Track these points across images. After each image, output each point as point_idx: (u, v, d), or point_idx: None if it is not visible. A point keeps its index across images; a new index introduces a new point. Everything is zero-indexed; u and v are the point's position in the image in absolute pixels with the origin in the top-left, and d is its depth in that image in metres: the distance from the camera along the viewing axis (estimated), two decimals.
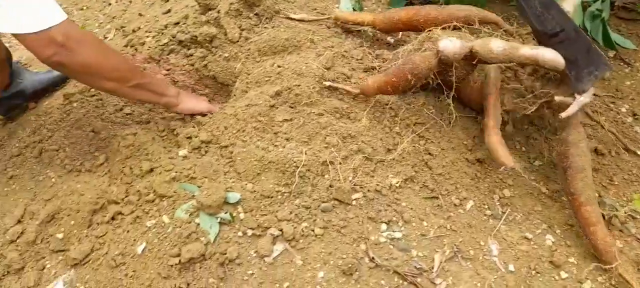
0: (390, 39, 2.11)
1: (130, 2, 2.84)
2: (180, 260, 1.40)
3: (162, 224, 1.49)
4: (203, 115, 1.85)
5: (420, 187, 1.63)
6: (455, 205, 1.62)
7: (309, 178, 1.54)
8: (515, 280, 1.43)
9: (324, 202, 1.51)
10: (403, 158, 1.66)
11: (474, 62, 1.62)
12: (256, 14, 2.06)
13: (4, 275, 1.52)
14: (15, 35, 1.40)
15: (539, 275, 1.47)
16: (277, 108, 1.73)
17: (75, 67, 1.49)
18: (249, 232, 1.46)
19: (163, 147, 1.75)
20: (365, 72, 1.90)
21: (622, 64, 2.38)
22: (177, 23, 2.18)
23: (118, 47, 2.24)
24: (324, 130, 1.65)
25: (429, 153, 1.70)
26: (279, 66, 1.84)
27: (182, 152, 1.69)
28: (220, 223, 1.47)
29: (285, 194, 1.52)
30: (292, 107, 1.73)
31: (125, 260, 1.46)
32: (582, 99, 1.55)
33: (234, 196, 1.50)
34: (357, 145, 1.64)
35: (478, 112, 1.86)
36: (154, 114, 1.94)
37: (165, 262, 1.41)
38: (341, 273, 1.39)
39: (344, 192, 1.52)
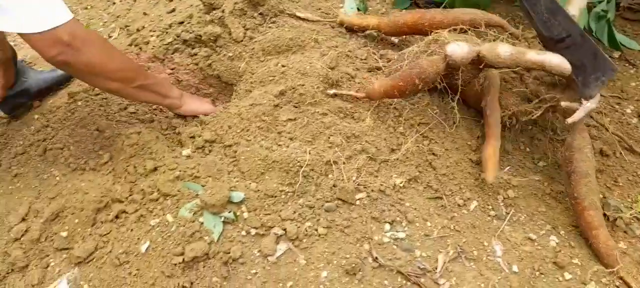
0: (394, 39, 2.11)
1: (135, 1, 2.85)
2: (183, 259, 1.40)
3: (166, 223, 1.49)
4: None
5: (424, 187, 1.62)
6: (459, 205, 1.61)
7: (313, 178, 1.54)
8: (519, 281, 1.43)
9: (327, 201, 1.51)
10: (407, 158, 1.65)
11: (480, 66, 1.62)
12: (260, 14, 2.06)
13: (8, 273, 1.52)
14: (20, 35, 1.40)
15: (542, 276, 1.46)
16: (281, 107, 1.73)
17: (80, 67, 1.49)
18: (253, 232, 1.46)
19: (167, 146, 1.75)
20: (370, 72, 1.90)
21: (627, 65, 2.38)
22: (182, 22, 2.18)
23: (122, 46, 2.24)
24: (328, 130, 1.65)
25: (433, 154, 1.70)
26: (283, 66, 1.84)
27: (186, 151, 1.70)
28: (224, 222, 1.47)
29: (289, 194, 1.52)
30: (296, 107, 1.73)
31: (129, 259, 1.47)
32: (589, 105, 1.56)
33: (237, 195, 1.50)
34: (361, 145, 1.64)
35: (482, 114, 1.86)
36: (158, 112, 1.95)
37: (169, 261, 1.41)
38: (344, 273, 1.39)
39: (347, 191, 1.52)
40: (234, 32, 2.01)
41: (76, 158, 1.77)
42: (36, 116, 1.93)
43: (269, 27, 2.03)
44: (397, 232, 1.49)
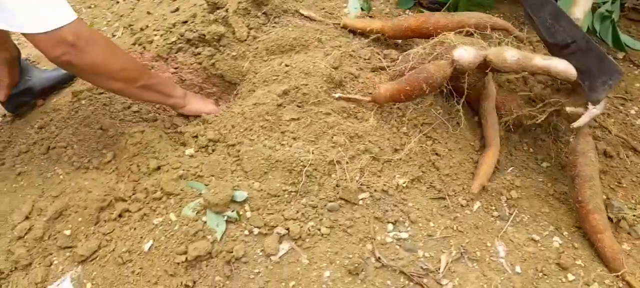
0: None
1: (138, 0, 2.85)
2: (186, 258, 1.40)
3: (169, 222, 1.49)
4: None
5: (427, 188, 1.62)
6: (462, 205, 1.61)
7: (316, 178, 1.54)
8: (522, 282, 1.42)
9: (330, 201, 1.51)
10: (410, 158, 1.65)
11: (486, 71, 1.62)
12: (264, 13, 2.06)
13: (11, 271, 1.53)
14: (24, 35, 1.40)
15: (545, 277, 1.46)
16: (285, 107, 1.73)
17: (84, 67, 1.49)
18: (256, 231, 1.46)
19: (170, 145, 1.75)
20: (373, 71, 1.90)
21: (631, 65, 2.37)
22: (185, 21, 2.18)
23: (126, 45, 2.24)
24: (331, 130, 1.65)
25: (436, 154, 1.69)
26: (286, 65, 1.84)
27: (190, 150, 1.70)
28: (227, 221, 1.47)
29: (292, 193, 1.52)
30: (299, 106, 1.73)
31: (132, 257, 1.47)
32: (594, 110, 1.56)
33: (240, 194, 1.50)
34: (364, 144, 1.64)
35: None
36: (161, 111, 1.95)
37: (172, 260, 1.41)
38: (347, 272, 1.39)
39: (350, 191, 1.52)
40: (237, 31, 2.02)
41: (80, 157, 1.77)
42: (40, 115, 1.93)
43: (273, 26, 2.04)
44: (400, 232, 1.49)
